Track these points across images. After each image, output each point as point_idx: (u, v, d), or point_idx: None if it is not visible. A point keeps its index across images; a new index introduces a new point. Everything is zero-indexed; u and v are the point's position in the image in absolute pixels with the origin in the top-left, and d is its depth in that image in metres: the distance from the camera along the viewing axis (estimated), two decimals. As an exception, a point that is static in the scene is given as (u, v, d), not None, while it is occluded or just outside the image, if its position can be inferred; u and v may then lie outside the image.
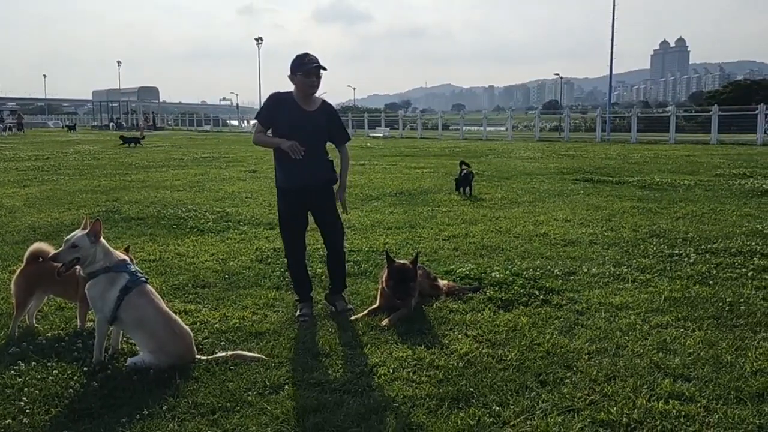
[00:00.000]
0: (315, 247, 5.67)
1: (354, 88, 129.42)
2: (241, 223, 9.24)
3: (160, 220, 9.55)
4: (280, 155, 5.04)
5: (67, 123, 70.29)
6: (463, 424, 3.37)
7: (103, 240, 4.22)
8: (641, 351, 4.32)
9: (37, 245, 4.81)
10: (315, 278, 5.89)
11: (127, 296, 4.08)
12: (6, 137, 47.36)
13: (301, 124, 4.94)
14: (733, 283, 5.93)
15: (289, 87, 5.10)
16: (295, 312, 5.18)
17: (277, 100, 5.07)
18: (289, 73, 4.98)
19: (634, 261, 6.76)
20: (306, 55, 4.97)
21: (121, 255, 4.29)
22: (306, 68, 4.89)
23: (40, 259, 4.74)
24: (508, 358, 4.21)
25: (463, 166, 12.86)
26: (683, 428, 3.31)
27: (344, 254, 5.55)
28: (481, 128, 45.97)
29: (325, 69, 4.96)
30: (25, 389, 3.77)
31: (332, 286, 5.40)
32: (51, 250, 4.78)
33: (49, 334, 4.70)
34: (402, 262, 5.38)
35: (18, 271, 4.83)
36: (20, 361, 4.15)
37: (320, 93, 5.15)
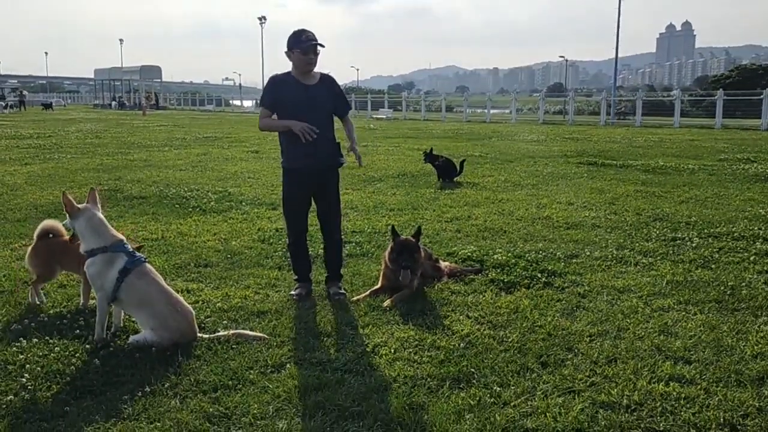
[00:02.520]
0: (317, 227, 5.67)
1: (357, 69, 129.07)
2: (244, 203, 9.24)
3: (163, 199, 9.55)
4: (287, 136, 5.02)
5: (42, 101, 68.36)
6: (463, 404, 3.38)
7: (96, 216, 4.22)
8: (643, 334, 4.32)
9: (48, 222, 4.85)
10: (317, 258, 5.88)
11: (126, 278, 4.09)
12: (7, 114, 47.29)
13: (304, 99, 4.92)
14: (735, 267, 5.93)
15: (287, 67, 5.08)
16: (292, 290, 5.19)
17: (276, 81, 5.04)
18: (285, 49, 4.95)
19: (637, 244, 6.75)
20: (303, 31, 4.93)
21: (117, 234, 4.29)
22: (303, 46, 4.86)
23: (50, 236, 4.80)
24: (509, 340, 4.22)
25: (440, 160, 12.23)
26: (683, 410, 3.32)
27: (341, 244, 5.54)
28: (485, 110, 45.79)
29: (323, 46, 4.93)
30: (27, 366, 3.78)
31: (327, 274, 5.40)
32: (60, 227, 4.82)
33: (51, 312, 4.72)
34: (405, 237, 5.40)
35: (29, 248, 4.87)
36: (22, 338, 4.17)
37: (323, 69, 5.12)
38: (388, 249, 5.38)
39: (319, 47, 4.91)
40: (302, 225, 5.30)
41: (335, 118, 5.20)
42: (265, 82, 5.14)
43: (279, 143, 5.21)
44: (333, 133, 5.16)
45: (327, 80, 5.14)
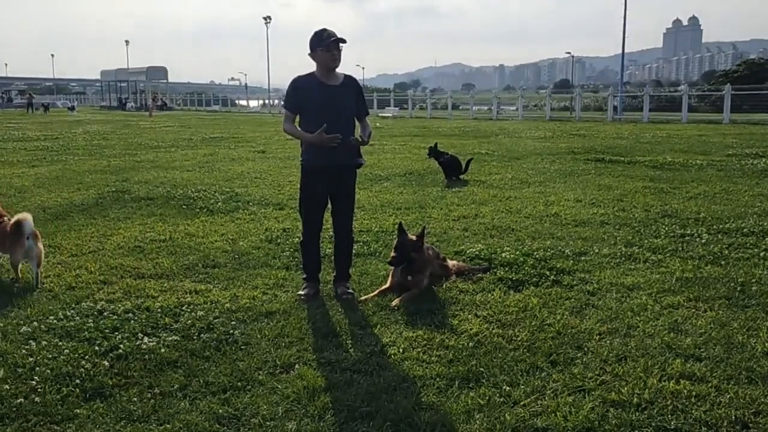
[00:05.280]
0: (326, 226, 5.67)
1: (363, 68, 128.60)
2: (251, 204, 9.24)
3: (170, 200, 9.56)
4: (310, 133, 5.04)
5: (43, 102, 69.00)
6: (473, 404, 3.37)
7: None
8: (652, 331, 4.30)
9: None
10: (325, 258, 5.88)
11: None
12: (35, 115, 47.79)
13: (329, 99, 4.94)
14: (745, 263, 5.89)
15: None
16: (300, 290, 5.19)
17: (299, 83, 5.07)
18: (309, 51, 4.98)
19: (646, 241, 6.71)
20: (324, 30, 4.97)
21: None
22: (326, 43, 4.90)
23: None
24: (518, 339, 4.21)
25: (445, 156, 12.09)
26: (694, 408, 3.30)
27: (352, 244, 5.54)
28: (491, 108, 45.73)
29: (344, 41, 4.95)
30: (37, 368, 3.79)
31: (336, 273, 5.41)
32: None
33: (59, 314, 4.72)
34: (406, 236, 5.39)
35: None
36: (31, 341, 4.18)
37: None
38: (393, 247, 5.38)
39: (341, 44, 4.94)
40: (318, 224, 5.31)
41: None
42: (288, 84, 5.13)
43: (300, 141, 5.22)
44: (354, 133, 5.18)
45: (350, 81, 5.18)
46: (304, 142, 5.07)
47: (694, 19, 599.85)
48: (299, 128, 5.10)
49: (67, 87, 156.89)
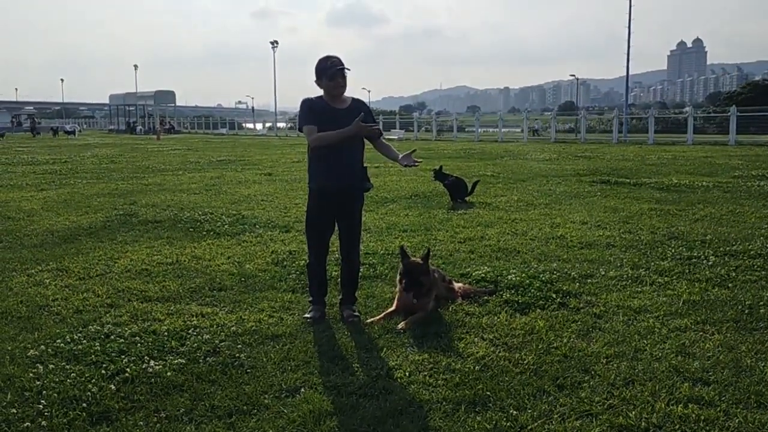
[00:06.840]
0: (332, 249, 5.68)
1: (369, 91, 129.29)
2: (257, 226, 9.27)
3: (177, 223, 9.60)
4: (320, 156, 5.09)
5: (52, 126, 69.02)
6: (480, 428, 3.35)
7: None
8: (660, 355, 4.28)
9: None
10: (331, 281, 5.89)
11: None
12: (41, 139, 48.21)
13: (336, 122, 4.98)
14: (753, 285, 5.87)
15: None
16: (306, 313, 5.19)
17: (310, 104, 5.12)
18: (315, 78, 5.04)
19: (652, 264, 6.70)
20: (329, 57, 5.03)
21: None
22: (330, 72, 4.96)
23: None
24: (525, 362, 4.19)
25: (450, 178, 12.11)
26: (703, 433, 3.27)
27: (358, 267, 5.55)
28: (497, 130, 45.91)
29: (348, 69, 5.02)
30: (44, 392, 3.80)
31: (342, 296, 5.42)
32: None
33: (67, 337, 4.73)
34: (412, 259, 5.39)
35: None
36: (38, 364, 4.19)
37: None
38: (399, 271, 5.39)
39: (346, 70, 5.01)
40: (324, 247, 5.34)
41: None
42: (300, 105, 5.17)
43: (307, 165, 5.26)
44: (363, 157, 5.22)
45: (358, 104, 5.23)
46: (344, 138, 4.95)
47: (698, 41, 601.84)
48: (311, 156, 5.15)
49: (76, 111, 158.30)
